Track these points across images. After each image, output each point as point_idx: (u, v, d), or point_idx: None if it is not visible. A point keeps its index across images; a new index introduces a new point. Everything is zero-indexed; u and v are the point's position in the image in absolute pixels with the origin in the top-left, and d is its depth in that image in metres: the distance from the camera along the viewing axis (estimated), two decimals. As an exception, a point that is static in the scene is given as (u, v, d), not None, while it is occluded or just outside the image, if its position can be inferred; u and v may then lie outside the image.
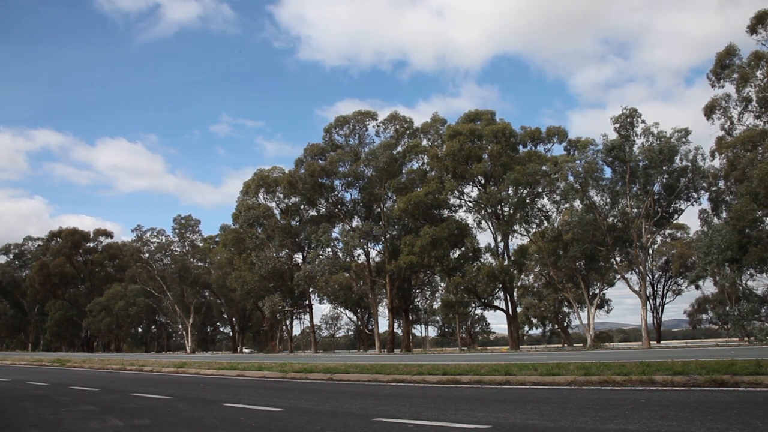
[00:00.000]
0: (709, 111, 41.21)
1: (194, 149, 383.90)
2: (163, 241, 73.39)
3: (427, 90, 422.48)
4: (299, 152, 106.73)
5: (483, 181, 49.02)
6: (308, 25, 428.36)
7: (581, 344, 54.73)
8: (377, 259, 57.27)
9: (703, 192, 42.26)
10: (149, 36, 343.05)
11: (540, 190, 46.38)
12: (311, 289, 57.72)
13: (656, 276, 68.00)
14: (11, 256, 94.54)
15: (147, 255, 73.69)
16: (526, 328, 71.06)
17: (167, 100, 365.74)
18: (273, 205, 60.74)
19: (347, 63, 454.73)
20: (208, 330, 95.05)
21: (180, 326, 74.43)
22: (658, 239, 59.91)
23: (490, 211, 48.31)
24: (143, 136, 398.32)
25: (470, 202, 50.18)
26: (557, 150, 50.87)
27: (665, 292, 68.33)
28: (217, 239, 77.15)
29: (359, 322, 70.18)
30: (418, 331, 73.79)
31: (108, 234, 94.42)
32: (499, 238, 49.25)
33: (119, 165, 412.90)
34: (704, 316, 73.72)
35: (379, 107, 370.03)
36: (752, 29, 38.18)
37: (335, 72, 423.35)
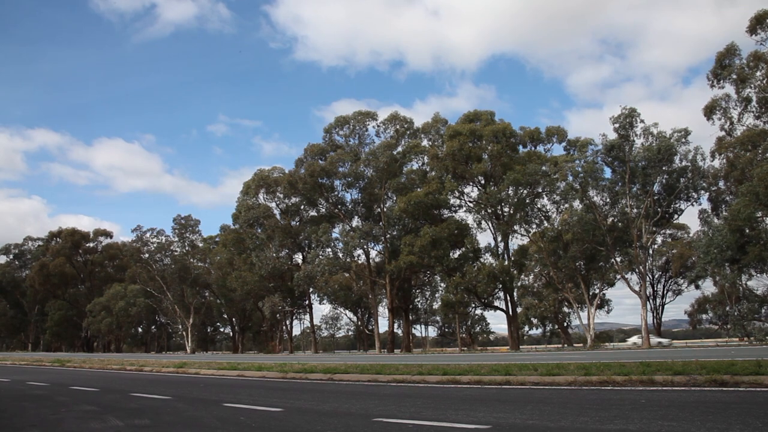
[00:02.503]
0: (709, 111, 41.17)
1: (191, 149, 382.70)
2: (163, 241, 73.41)
3: (423, 90, 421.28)
4: (297, 152, 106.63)
5: (483, 181, 49.03)
6: (304, 26, 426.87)
7: (581, 344, 54.72)
8: (377, 259, 57.29)
9: (702, 192, 42.31)
10: (145, 36, 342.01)
11: (540, 190, 46.36)
12: (311, 289, 57.73)
13: (656, 276, 67.97)
14: (11, 256, 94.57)
15: (147, 255, 73.71)
16: (526, 328, 71.02)
17: (164, 100, 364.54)
18: (273, 205, 60.84)
19: (344, 63, 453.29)
20: (208, 330, 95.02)
21: (180, 326, 74.38)
22: (658, 239, 59.79)
23: (490, 211, 48.31)
24: (140, 136, 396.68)
25: (470, 202, 50.23)
26: (557, 150, 50.99)
27: (665, 292, 68.37)
28: (217, 239, 77.24)
29: (359, 322, 70.16)
30: (418, 331, 73.85)
31: (108, 234, 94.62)
32: (499, 238, 49.29)
33: (116, 165, 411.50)
34: (704, 316, 73.74)
35: (376, 107, 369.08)
36: (752, 30, 38.10)
37: (332, 72, 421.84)
